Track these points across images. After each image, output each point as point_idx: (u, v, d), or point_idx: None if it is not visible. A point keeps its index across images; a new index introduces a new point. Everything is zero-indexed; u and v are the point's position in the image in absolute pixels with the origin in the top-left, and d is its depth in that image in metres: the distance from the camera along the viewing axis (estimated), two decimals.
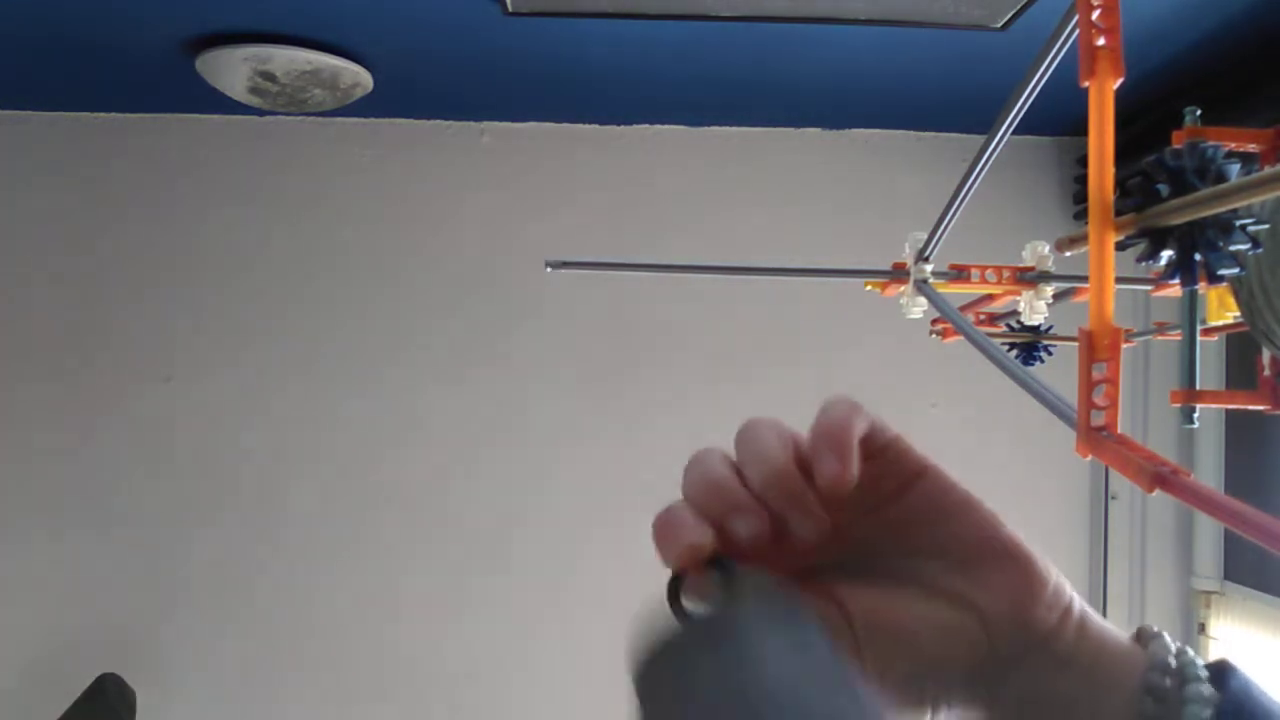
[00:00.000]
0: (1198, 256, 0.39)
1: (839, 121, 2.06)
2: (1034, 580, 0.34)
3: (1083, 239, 0.39)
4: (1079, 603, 0.35)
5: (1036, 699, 0.34)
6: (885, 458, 0.35)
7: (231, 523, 1.99)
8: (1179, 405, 0.55)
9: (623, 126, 2.07)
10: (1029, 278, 0.72)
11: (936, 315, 0.77)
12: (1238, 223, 0.38)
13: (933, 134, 2.07)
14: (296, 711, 1.99)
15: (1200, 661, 0.33)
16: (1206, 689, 0.32)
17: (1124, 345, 0.36)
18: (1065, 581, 0.35)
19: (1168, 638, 0.35)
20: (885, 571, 0.35)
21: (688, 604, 0.33)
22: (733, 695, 0.27)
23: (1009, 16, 1.45)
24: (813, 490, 0.33)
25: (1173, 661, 0.33)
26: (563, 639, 1.98)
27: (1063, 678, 0.33)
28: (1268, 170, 0.46)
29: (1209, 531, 1.95)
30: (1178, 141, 0.47)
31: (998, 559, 0.34)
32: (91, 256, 2.02)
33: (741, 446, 0.34)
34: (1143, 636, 0.36)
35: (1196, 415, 0.54)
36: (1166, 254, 0.39)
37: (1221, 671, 0.33)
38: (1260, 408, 0.63)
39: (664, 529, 0.33)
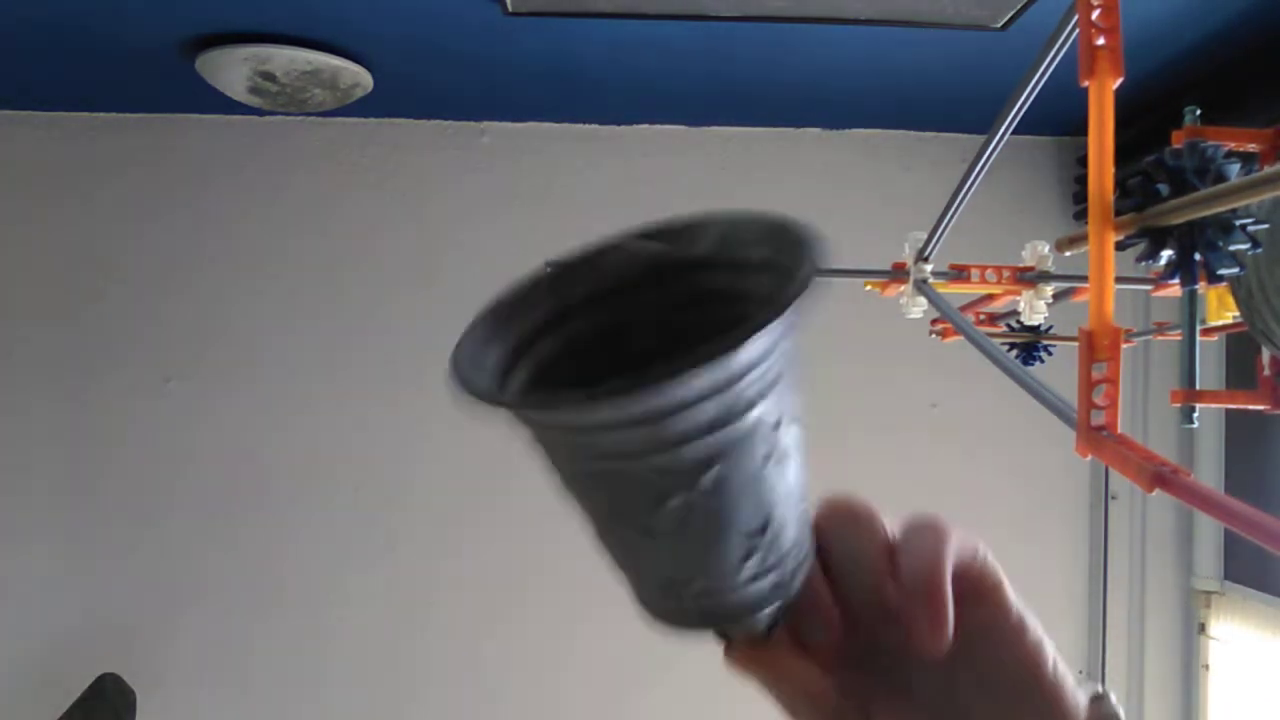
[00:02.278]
0: (1198, 256, 0.39)
1: (839, 121, 2.06)
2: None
3: (1083, 239, 0.39)
4: None
5: None
6: (962, 577, 0.32)
7: (231, 523, 1.99)
8: (1179, 405, 0.55)
9: (623, 126, 2.07)
10: (1029, 278, 0.72)
11: (936, 315, 0.77)
12: (1237, 222, 0.38)
13: (933, 134, 2.07)
14: (297, 711, 1.99)
15: None
16: None
17: (1124, 345, 0.36)
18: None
19: None
20: (921, 684, 0.34)
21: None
22: None
23: (1009, 16, 1.45)
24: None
25: None
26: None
27: None
28: (1267, 170, 0.46)
29: (1209, 531, 1.95)
30: (1178, 141, 0.47)
31: (1031, 694, 0.33)
32: (91, 256, 2.02)
33: (903, 553, 0.32)
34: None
35: (1196, 415, 0.54)
36: (1166, 254, 0.39)
37: None
38: (1260, 408, 0.63)
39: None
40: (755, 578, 0.29)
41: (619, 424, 0.25)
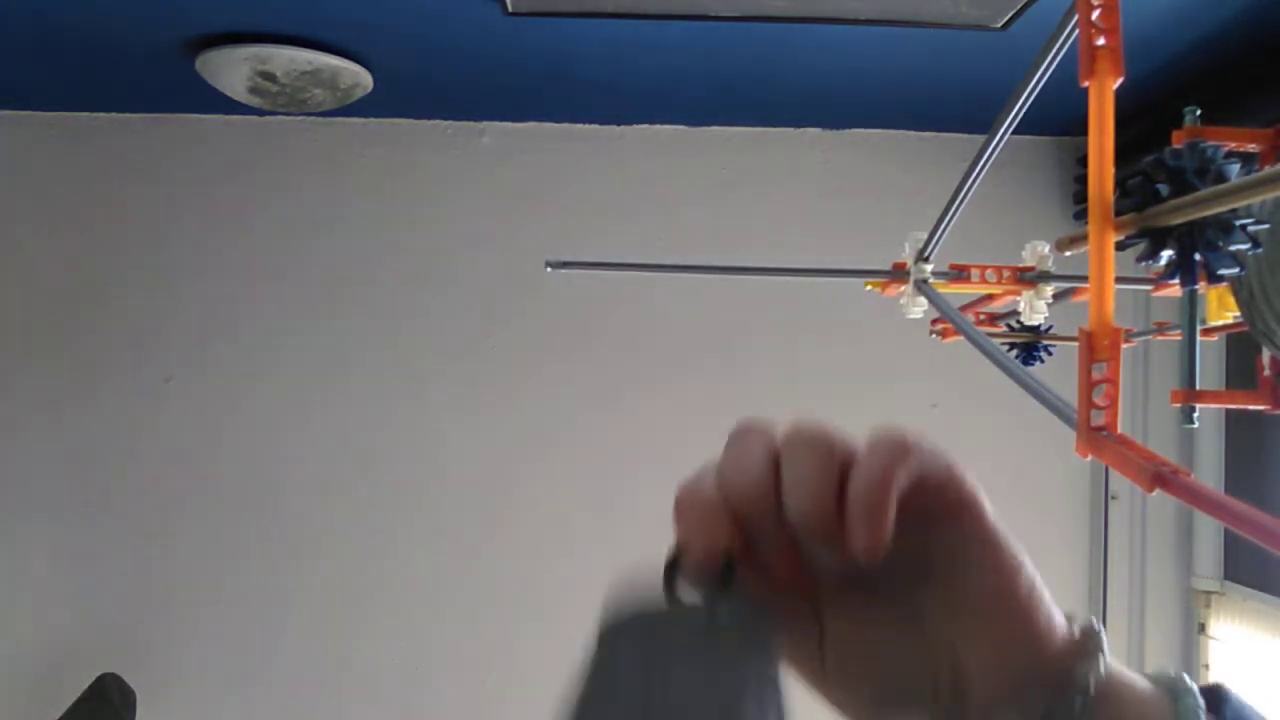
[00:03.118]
0: (1198, 256, 0.39)
1: (839, 121, 2.06)
2: (1032, 638, 0.33)
3: (1083, 239, 0.39)
4: (1100, 675, 0.33)
5: None
6: (930, 492, 0.33)
7: (232, 523, 1.99)
8: (1179, 405, 0.55)
9: (623, 126, 2.07)
10: (1029, 278, 0.72)
11: (936, 315, 0.77)
12: (1237, 223, 0.38)
13: (933, 134, 2.07)
14: (297, 711, 1.99)
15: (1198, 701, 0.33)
16: None
17: (1124, 345, 0.36)
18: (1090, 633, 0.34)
19: (1189, 682, 0.34)
20: (886, 591, 0.35)
21: (681, 583, 0.33)
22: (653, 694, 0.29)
23: (1009, 16, 1.45)
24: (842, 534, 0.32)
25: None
26: (560, 632, 1.98)
27: None
28: (1268, 170, 0.46)
29: (1209, 531, 1.94)
30: (1178, 141, 0.47)
31: (1002, 623, 0.33)
32: (91, 257, 2.02)
33: (786, 458, 0.33)
34: (1160, 680, 0.34)
35: (1196, 415, 0.54)
36: (1166, 254, 0.39)
37: (1217, 697, 0.33)
38: (1260, 408, 0.63)
39: (689, 511, 0.33)
40: None
41: None
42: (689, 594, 0.33)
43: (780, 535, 0.33)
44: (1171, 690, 0.33)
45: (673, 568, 0.33)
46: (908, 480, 0.31)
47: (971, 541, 0.33)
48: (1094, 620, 0.34)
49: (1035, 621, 0.33)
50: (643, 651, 0.30)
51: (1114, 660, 0.33)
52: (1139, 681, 0.34)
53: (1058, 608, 0.34)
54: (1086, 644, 0.33)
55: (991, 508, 0.33)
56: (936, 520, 0.33)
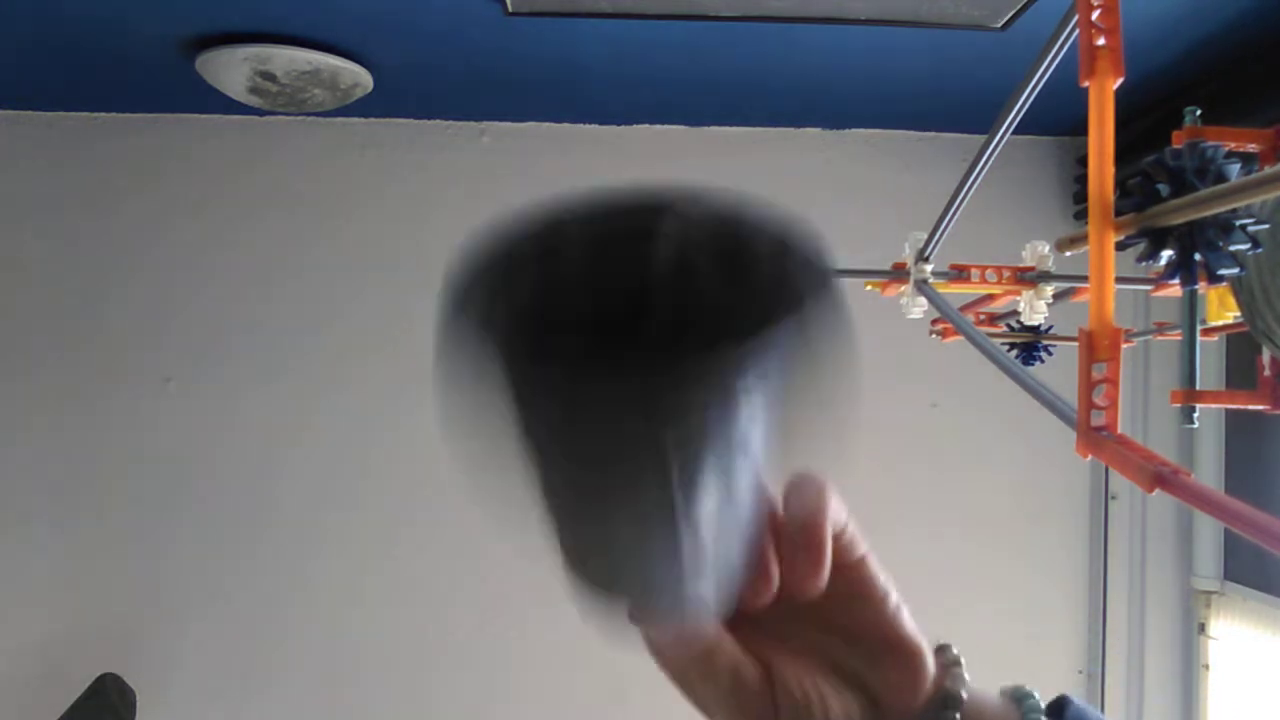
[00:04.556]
0: (1198, 256, 0.39)
1: (839, 121, 2.06)
2: (919, 675, 0.37)
3: (1083, 239, 0.39)
4: (957, 688, 0.37)
5: None
6: (839, 544, 0.36)
7: (232, 523, 1.99)
8: (1179, 405, 0.55)
9: (623, 126, 2.07)
10: (1029, 278, 0.72)
11: (936, 315, 0.77)
12: (1238, 223, 0.38)
13: (933, 134, 2.07)
14: (297, 711, 1.99)
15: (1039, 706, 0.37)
16: None
17: (1124, 345, 0.36)
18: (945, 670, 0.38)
19: (1036, 697, 0.38)
20: (799, 638, 0.38)
21: None
22: None
23: (1009, 16, 1.45)
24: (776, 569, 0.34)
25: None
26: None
27: None
28: (1268, 170, 0.46)
29: (1209, 531, 1.94)
30: (1178, 141, 0.47)
31: (895, 653, 0.37)
32: (91, 257, 2.02)
33: None
34: (1016, 697, 0.39)
35: (1196, 415, 0.54)
36: (1166, 254, 0.39)
37: (1060, 704, 0.38)
38: (1260, 408, 0.63)
39: None
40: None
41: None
42: None
43: None
44: (1015, 697, 0.38)
45: None
46: (837, 522, 0.35)
47: (867, 585, 0.37)
48: (947, 643, 0.39)
49: (921, 655, 0.37)
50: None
51: (970, 686, 0.38)
52: (990, 694, 0.38)
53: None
54: (951, 662, 0.38)
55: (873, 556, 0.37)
56: (840, 570, 0.36)
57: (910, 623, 0.38)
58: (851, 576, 0.37)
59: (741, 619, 0.37)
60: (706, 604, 0.32)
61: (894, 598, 0.38)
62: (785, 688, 0.36)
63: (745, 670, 0.36)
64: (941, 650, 0.39)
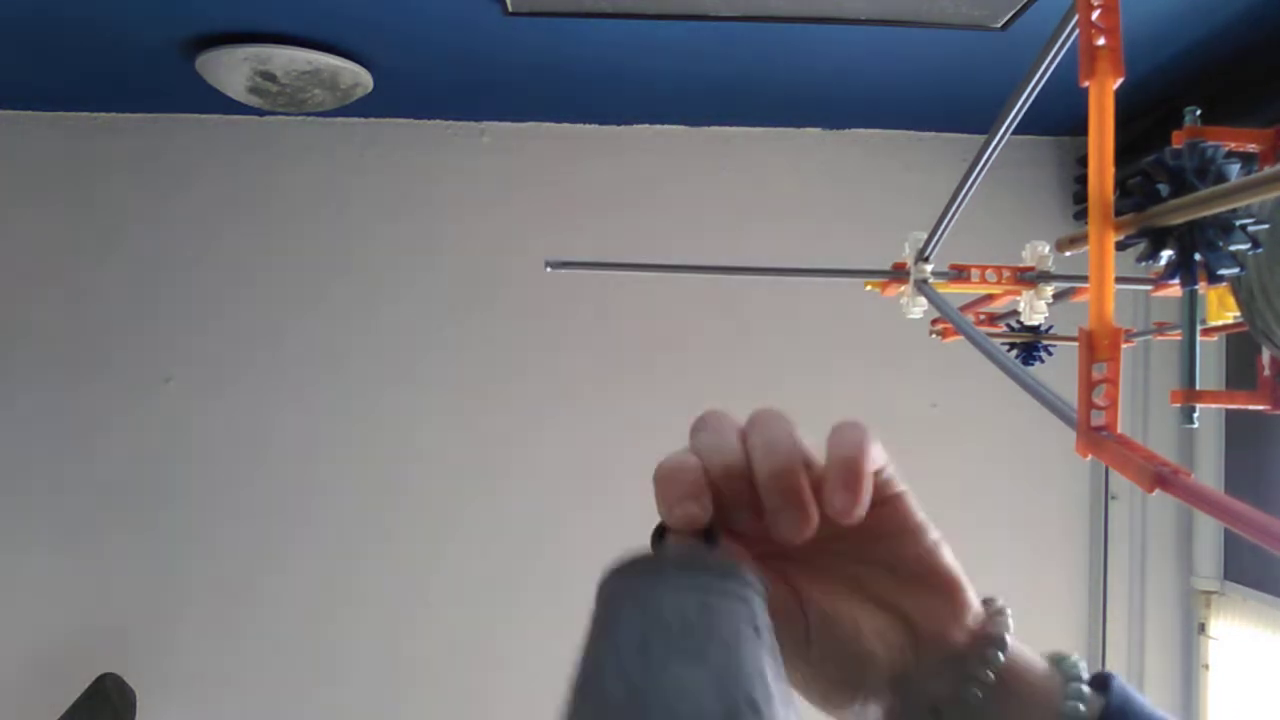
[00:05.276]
0: (1198, 256, 0.39)
1: (839, 121, 2.06)
2: (958, 605, 0.38)
3: (1083, 239, 0.39)
4: (1002, 631, 0.38)
5: (948, 707, 0.37)
6: (878, 479, 0.37)
7: (232, 523, 1.99)
8: (1179, 405, 0.55)
9: (623, 126, 2.07)
10: (1029, 278, 0.72)
11: (936, 315, 0.77)
12: (1238, 223, 0.38)
13: (933, 134, 2.07)
14: (298, 710, 1.99)
15: (1084, 680, 0.38)
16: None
17: (1124, 345, 0.36)
18: (986, 609, 0.40)
19: (1076, 660, 0.39)
20: (839, 571, 0.39)
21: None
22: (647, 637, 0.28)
23: (1009, 16, 1.45)
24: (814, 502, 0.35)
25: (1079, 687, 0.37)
26: (554, 627, 1.98)
27: (971, 692, 0.37)
28: (1268, 170, 0.46)
29: (1209, 531, 1.94)
30: (1178, 141, 0.47)
31: (933, 582, 0.38)
32: (91, 257, 2.02)
33: (756, 430, 0.36)
34: (1056, 660, 0.39)
35: (1196, 415, 0.54)
36: (1166, 254, 0.39)
37: (1104, 682, 0.38)
38: (1260, 408, 0.63)
39: (671, 484, 0.35)
40: None
41: None
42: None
43: (754, 512, 0.36)
44: (1059, 664, 0.39)
45: (659, 539, 0.35)
46: (877, 460, 0.36)
47: (904, 519, 0.39)
48: (1000, 599, 0.40)
49: (959, 590, 0.38)
50: (639, 586, 0.30)
51: (1016, 638, 0.38)
52: (1036, 658, 0.39)
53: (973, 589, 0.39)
54: (997, 611, 0.39)
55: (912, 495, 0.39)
56: (877, 505, 0.37)
57: (950, 556, 0.39)
58: (890, 512, 0.38)
59: (780, 555, 0.38)
60: None
61: (933, 532, 0.39)
62: (819, 612, 0.37)
63: (772, 587, 0.36)
64: (989, 601, 0.40)
